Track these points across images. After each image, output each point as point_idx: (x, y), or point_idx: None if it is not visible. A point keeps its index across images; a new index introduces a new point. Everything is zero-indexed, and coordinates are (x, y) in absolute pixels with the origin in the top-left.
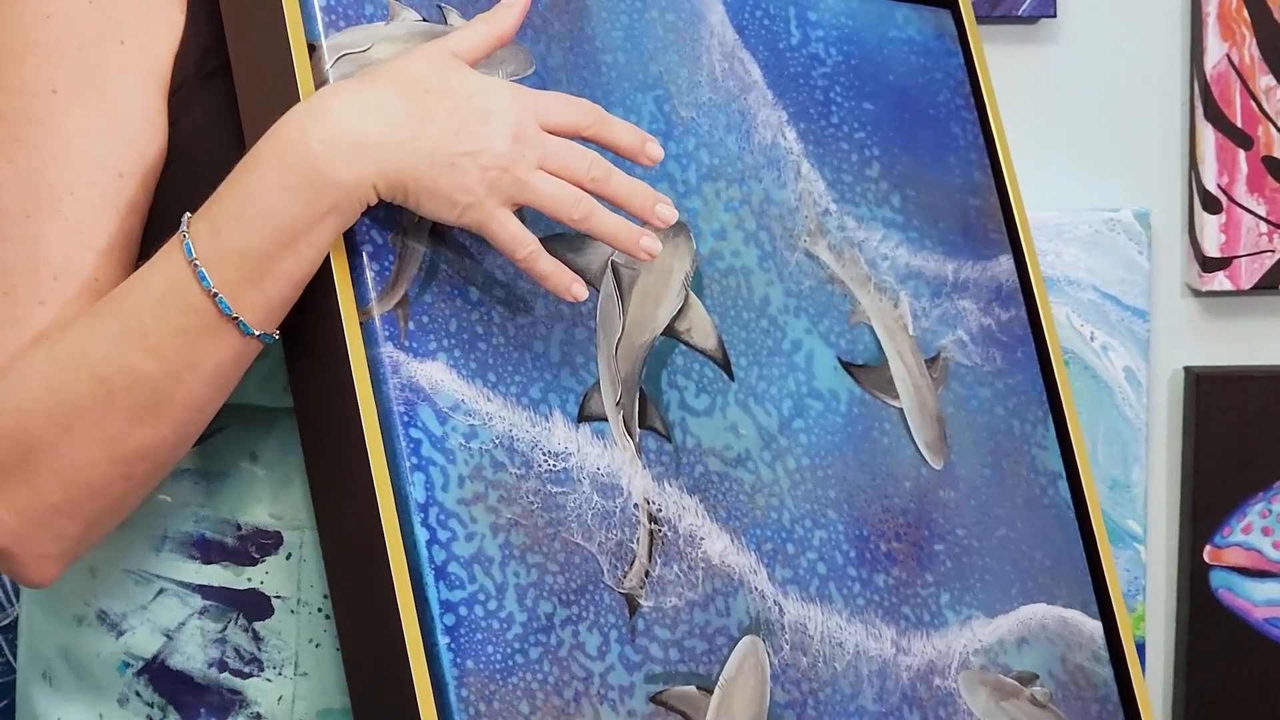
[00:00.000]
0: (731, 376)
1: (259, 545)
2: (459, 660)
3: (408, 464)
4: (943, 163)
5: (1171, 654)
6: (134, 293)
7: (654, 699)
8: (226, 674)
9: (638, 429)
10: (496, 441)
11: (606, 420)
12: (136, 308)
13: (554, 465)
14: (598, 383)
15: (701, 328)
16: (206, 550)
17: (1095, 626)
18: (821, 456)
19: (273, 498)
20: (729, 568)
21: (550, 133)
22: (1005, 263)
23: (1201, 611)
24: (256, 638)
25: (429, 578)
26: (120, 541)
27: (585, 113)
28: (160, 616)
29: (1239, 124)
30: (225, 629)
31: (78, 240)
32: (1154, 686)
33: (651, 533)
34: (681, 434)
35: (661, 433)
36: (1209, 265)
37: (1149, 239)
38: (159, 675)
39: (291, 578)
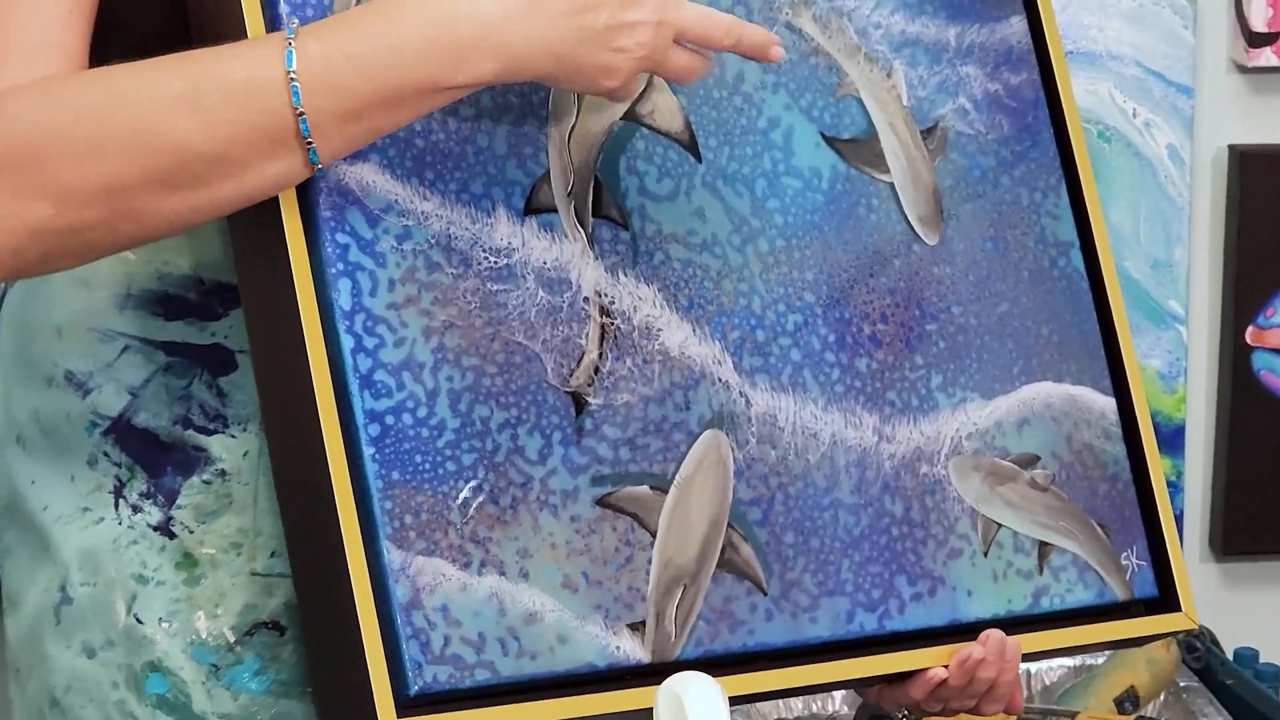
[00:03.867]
0: (699, 159)
1: (223, 299)
2: (384, 471)
3: (333, 270)
4: None
5: (1212, 436)
6: (210, 66)
7: (600, 501)
8: (191, 431)
9: (591, 219)
10: (432, 241)
11: (556, 212)
12: (208, 81)
13: (495, 262)
14: (547, 173)
15: (666, 109)
16: (170, 306)
17: (1107, 403)
18: (798, 237)
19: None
20: (689, 359)
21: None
22: (1017, 24)
23: (1243, 393)
24: (220, 393)
25: (353, 386)
26: (85, 299)
27: (720, 24)
28: (125, 374)
29: None
30: (189, 385)
31: None
32: (1194, 468)
33: (603, 326)
34: (640, 221)
35: (617, 221)
36: (1255, 40)
37: (1194, 13)
38: (125, 434)
39: None
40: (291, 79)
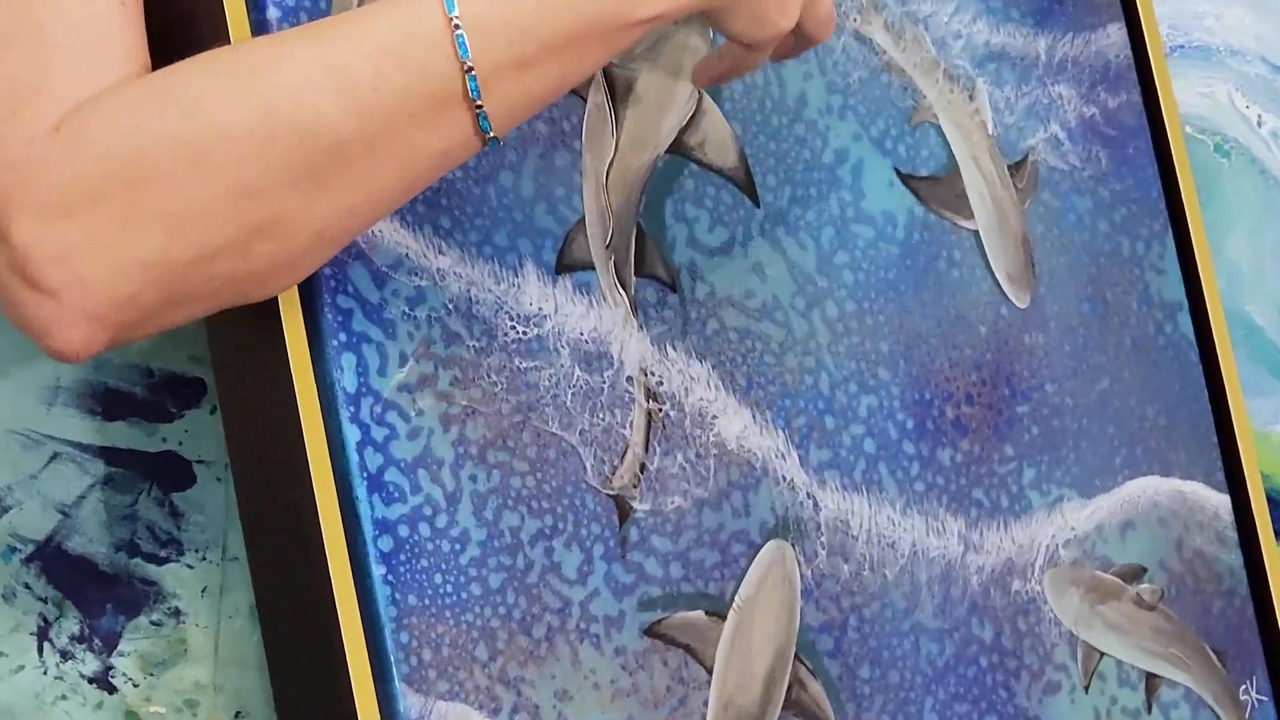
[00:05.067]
0: (756, 202)
1: (177, 395)
2: (398, 595)
3: (334, 342)
4: None
5: None
6: (349, 28)
7: (649, 630)
8: (138, 559)
9: (633, 278)
10: (450, 306)
11: (593, 269)
12: (352, 43)
13: (524, 332)
14: (582, 220)
15: (718, 140)
16: (110, 403)
17: (1221, 501)
18: (871, 299)
19: (194, 335)
20: (750, 453)
21: None
22: (1115, 33)
23: None
24: (174, 513)
25: (360, 490)
26: (1, 394)
27: None
28: (54, 488)
29: None
30: (135, 503)
31: None
32: None
33: (649, 413)
34: (690, 281)
35: (664, 281)
36: None
37: None
38: (53, 562)
39: (217, 436)
40: (455, 25)
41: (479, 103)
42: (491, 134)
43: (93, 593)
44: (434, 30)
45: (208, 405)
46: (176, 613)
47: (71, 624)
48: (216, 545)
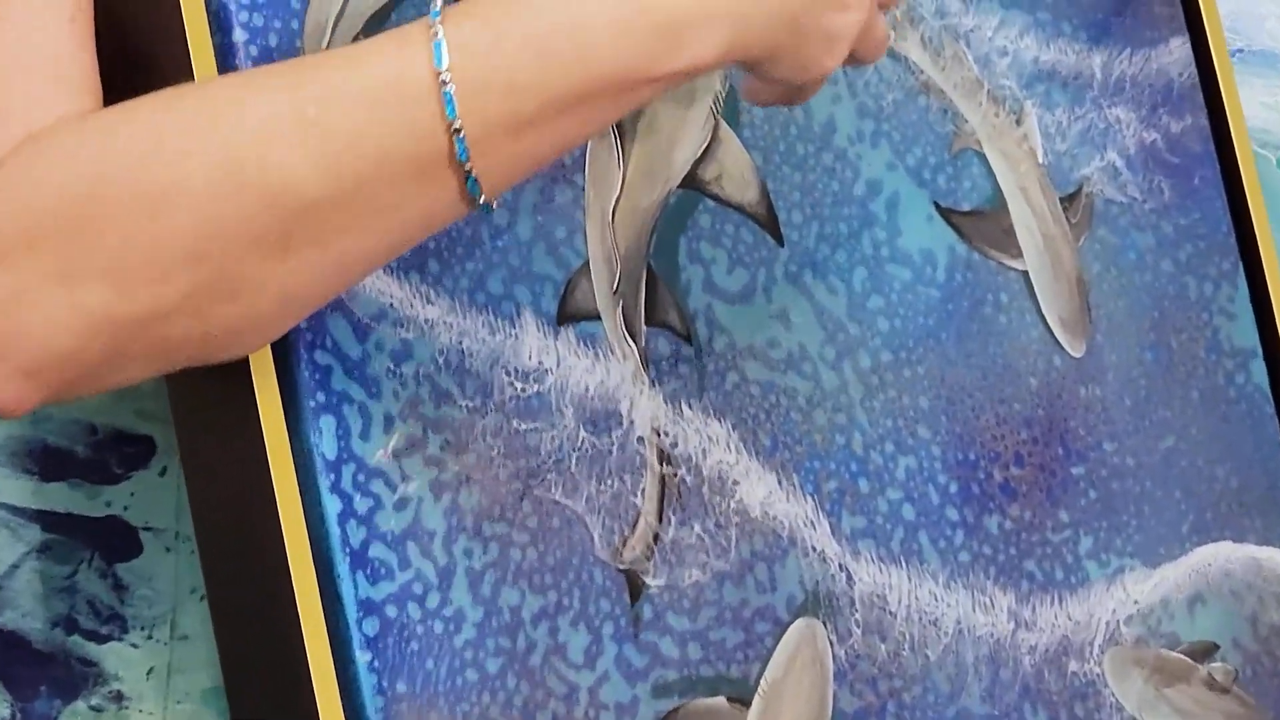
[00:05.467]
0: (780, 240)
1: (123, 455)
2: (385, 683)
3: (311, 403)
4: None
5: None
6: (330, 72)
7: (666, 719)
8: (76, 637)
9: (644, 327)
10: (440, 361)
11: (599, 318)
12: (328, 92)
13: (523, 389)
14: (586, 264)
15: (737, 173)
16: (49, 462)
17: None
18: (909, 349)
19: (143, 388)
20: (775, 521)
21: None
22: (1178, 49)
23: None
24: (118, 585)
25: (341, 568)
26: None
27: None
28: None
29: None
30: (75, 573)
31: None
32: None
33: (663, 478)
34: (707, 330)
35: (678, 330)
36: None
37: None
38: None
39: (167, 501)
40: (442, 81)
41: (468, 166)
42: (483, 199)
43: (25, 673)
44: (419, 83)
45: (157, 466)
46: (119, 696)
47: (1, 708)
48: (165, 622)
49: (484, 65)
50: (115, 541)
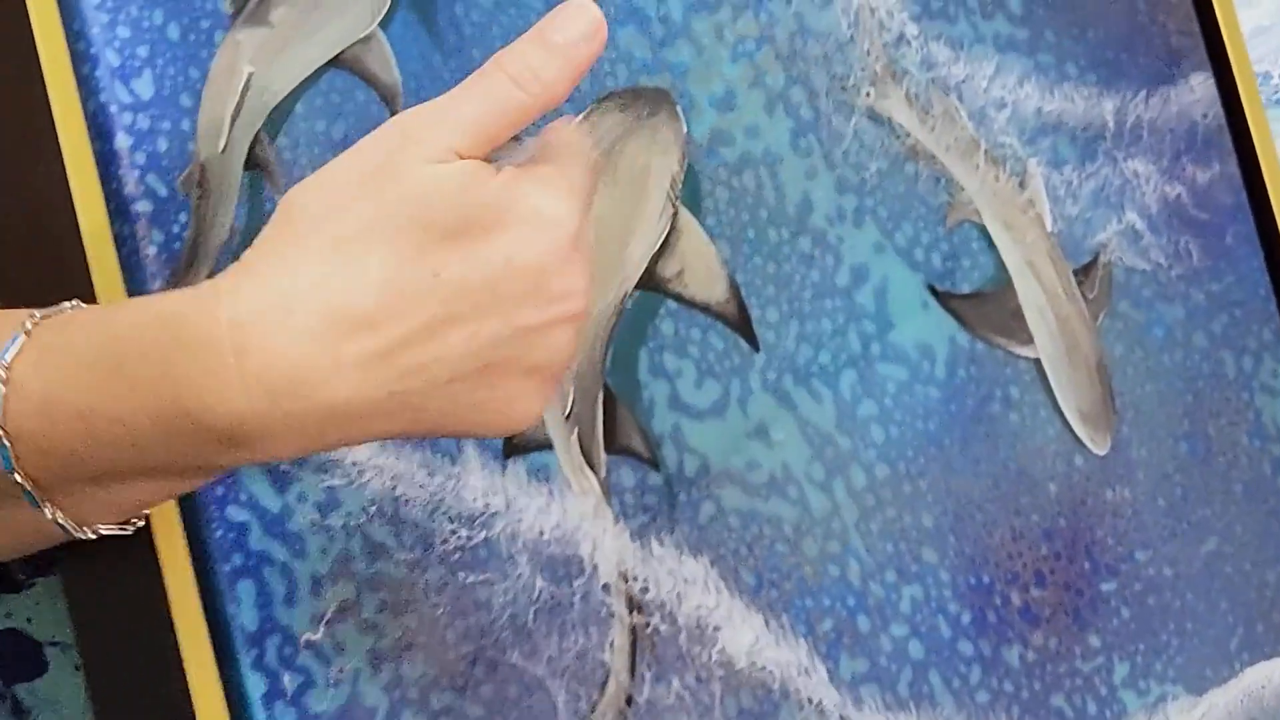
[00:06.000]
0: (755, 344)
1: (24, 559)
2: None
3: (226, 567)
4: None
5: None
6: None
7: None
8: None
9: (603, 455)
10: (373, 509)
11: (551, 449)
12: None
13: (468, 537)
14: None
15: (701, 267)
16: None
17: None
18: (908, 460)
19: None
20: (764, 671)
21: None
22: (1200, 86)
23: None
24: (19, 710)
25: None
26: None
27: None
28: None
29: None
30: None
31: None
32: None
33: (634, 630)
34: (676, 453)
35: (643, 456)
36: None
37: None
38: None
39: None
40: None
41: (43, 506)
42: (81, 533)
43: None
44: None
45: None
46: None
47: None
48: None
49: (38, 425)
50: (15, 659)
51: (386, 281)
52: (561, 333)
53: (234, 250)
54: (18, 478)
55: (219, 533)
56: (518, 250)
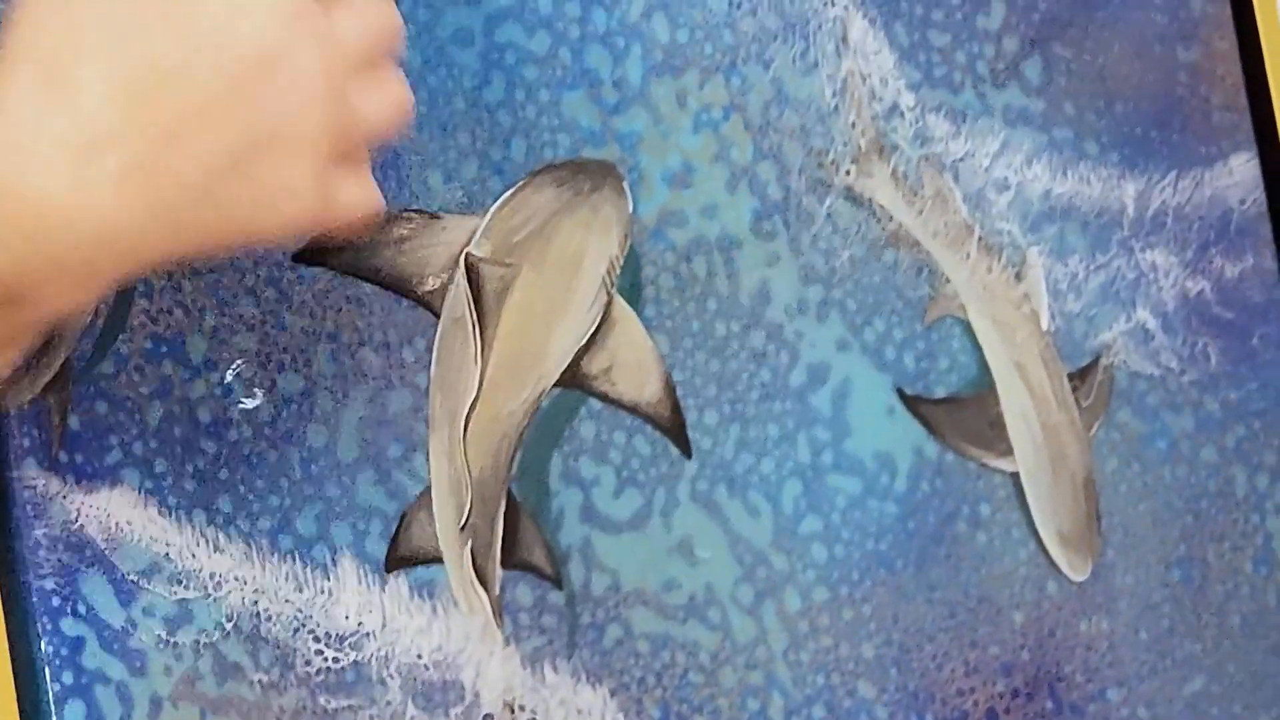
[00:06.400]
0: (687, 451)
1: None
2: None
3: (56, 687)
4: None
5: None
6: None
7: None
8: None
9: (498, 571)
10: (228, 626)
11: (440, 562)
12: None
13: (334, 659)
14: (427, 491)
15: (633, 363)
16: None
17: None
18: (853, 583)
19: None
20: None
21: None
22: (1241, 169)
23: None
24: None
25: None
26: None
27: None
28: None
29: None
30: None
31: None
32: None
33: None
34: (584, 571)
35: (545, 573)
36: None
37: None
38: None
39: None
40: None
41: None
42: None
43: None
44: None
45: None
46: None
47: None
48: None
49: None
50: None
51: (110, 94)
52: (298, 96)
53: None
54: None
55: (49, 648)
56: (232, 21)
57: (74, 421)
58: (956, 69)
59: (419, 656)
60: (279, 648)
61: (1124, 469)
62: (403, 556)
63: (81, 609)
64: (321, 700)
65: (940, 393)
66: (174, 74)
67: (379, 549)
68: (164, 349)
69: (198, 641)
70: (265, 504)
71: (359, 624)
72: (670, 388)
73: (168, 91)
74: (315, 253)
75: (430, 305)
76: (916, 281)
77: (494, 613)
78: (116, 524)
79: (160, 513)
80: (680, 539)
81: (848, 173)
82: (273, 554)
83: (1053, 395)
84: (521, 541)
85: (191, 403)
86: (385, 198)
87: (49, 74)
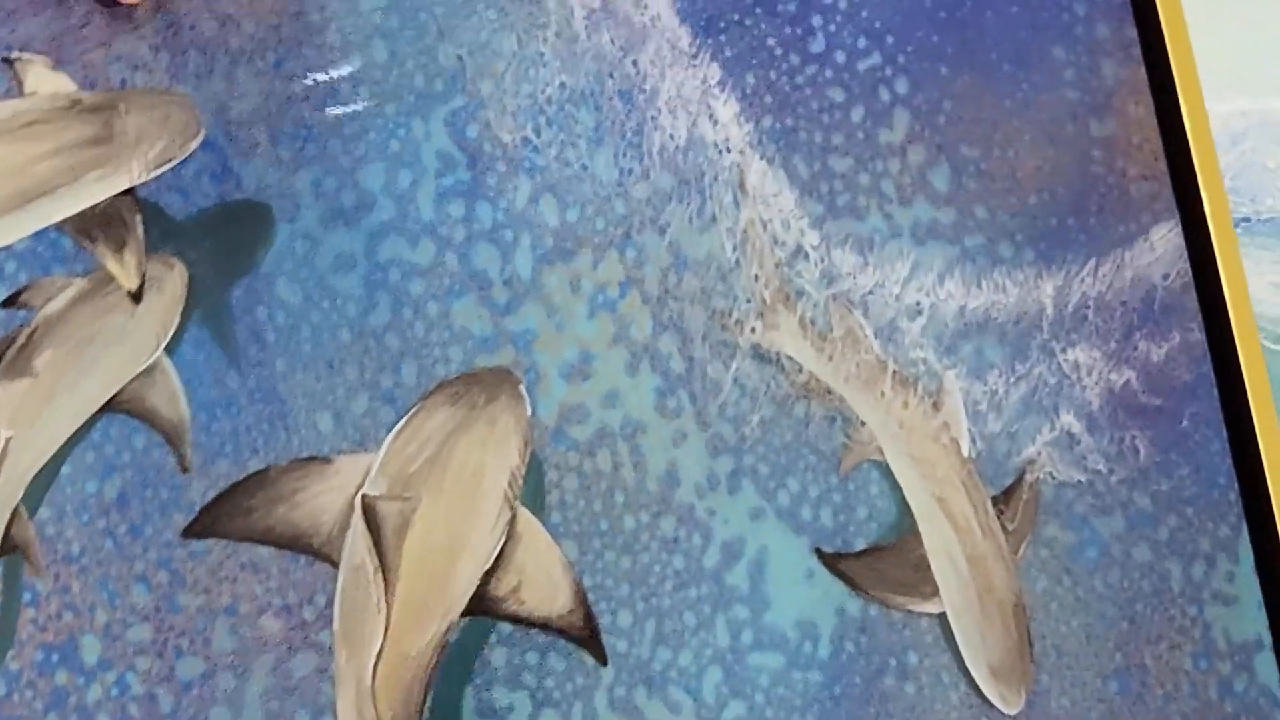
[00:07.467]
0: (603, 659)
1: None
2: None
3: None
4: (1042, 61)
5: None
6: None
7: None
8: None
9: None
10: None
11: None
12: None
13: None
14: None
15: (542, 577)
16: None
17: None
18: None
19: None
20: None
21: None
22: (1163, 240)
23: None
24: None
25: None
26: None
27: None
28: None
29: None
30: None
31: None
32: None
33: None
34: None
35: None
36: None
37: None
38: None
39: None
40: None
41: None
42: None
43: None
44: None
45: None
46: None
47: None
48: None
49: None
50: None
51: None
52: None
53: None
54: None
55: None
56: None
57: None
58: (860, 193)
59: None
60: None
61: (1054, 586)
62: None
63: None
64: None
65: (860, 544)
66: None
67: None
68: (55, 657)
69: None
70: None
71: None
72: (581, 595)
73: None
74: (207, 524)
75: (329, 557)
76: (830, 432)
77: None
78: None
79: None
80: None
81: (753, 330)
82: None
83: (977, 525)
84: None
85: (89, 710)
86: (274, 451)
87: None
